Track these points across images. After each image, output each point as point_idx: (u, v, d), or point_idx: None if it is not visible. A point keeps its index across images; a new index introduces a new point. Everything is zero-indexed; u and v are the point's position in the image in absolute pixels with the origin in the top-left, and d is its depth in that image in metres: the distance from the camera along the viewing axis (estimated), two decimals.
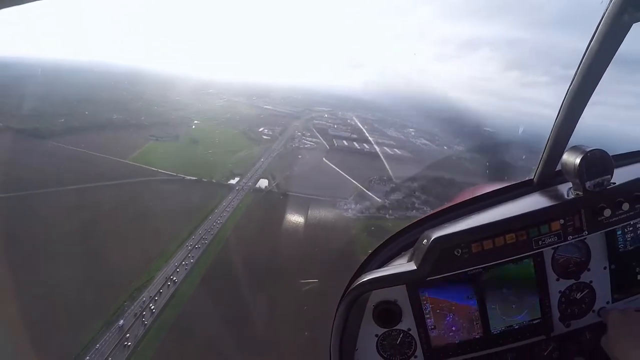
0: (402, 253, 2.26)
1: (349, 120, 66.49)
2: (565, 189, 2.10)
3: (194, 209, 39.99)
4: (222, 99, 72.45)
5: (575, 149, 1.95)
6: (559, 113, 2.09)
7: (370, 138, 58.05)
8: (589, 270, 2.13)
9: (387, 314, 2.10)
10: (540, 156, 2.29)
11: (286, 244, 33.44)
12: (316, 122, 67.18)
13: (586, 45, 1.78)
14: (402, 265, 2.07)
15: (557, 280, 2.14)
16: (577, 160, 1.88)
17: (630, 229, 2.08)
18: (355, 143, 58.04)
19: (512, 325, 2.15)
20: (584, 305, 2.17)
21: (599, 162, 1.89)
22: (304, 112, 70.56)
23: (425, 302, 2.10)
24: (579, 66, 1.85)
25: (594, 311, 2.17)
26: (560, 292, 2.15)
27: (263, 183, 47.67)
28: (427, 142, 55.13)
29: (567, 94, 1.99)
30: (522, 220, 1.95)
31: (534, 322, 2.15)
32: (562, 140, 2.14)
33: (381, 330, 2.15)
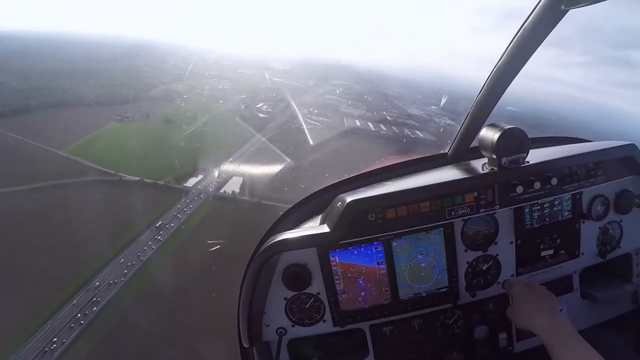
0: (315, 216, 2.19)
1: (365, 96, 59.40)
2: (480, 164, 2.10)
3: (106, 240, 26.33)
4: (225, 71, 64.44)
5: (494, 125, 1.94)
6: (481, 90, 2.10)
7: (388, 117, 50.24)
8: (496, 243, 2.12)
9: (297, 277, 1.98)
10: (457, 131, 2.34)
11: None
12: (328, 97, 58.38)
13: (520, 25, 1.72)
14: (315, 227, 1.99)
15: (465, 251, 2.10)
16: (495, 136, 1.88)
17: (538, 207, 2.11)
18: (369, 123, 49.02)
19: (420, 293, 2.09)
20: (489, 277, 2.16)
21: (516, 140, 1.90)
22: (316, 85, 62.57)
23: (335, 266, 1.99)
24: (508, 46, 1.82)
25: (498, 283, 2.17)
26: (467, 263, 2.12)
27: (234, 184, 33.40)
28: (451, 122, 46.79)
29: (492, 72, 1.98)
30: (437, 190, 1.94)
31: (441, 290, 2.11)
32: (481, 118, 2.18)
33: (290, 294, 2.03)
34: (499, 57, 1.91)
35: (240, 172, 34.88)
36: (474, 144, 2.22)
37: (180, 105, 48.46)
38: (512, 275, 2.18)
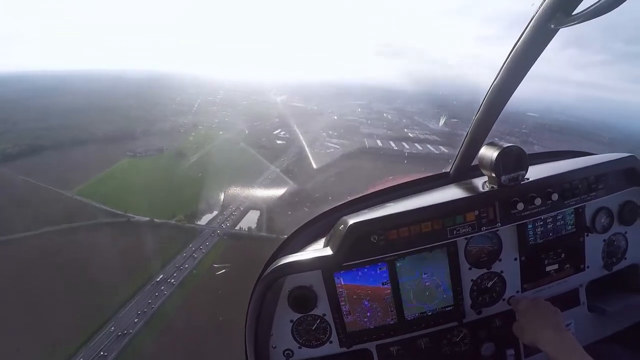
0: (319, 238, 2.20)
1: (385, 114, 57.22)
2: (481, 182, 2.11)
3: (107, 291, 23.25)
4: (236, 99, 62.02)
5: (493, 144, 1.95)
6: (479, 109, 2.12)
7: (410, 134, 47.61)
8: (500, 260, 2.13)
9: (302, 299, 2.01)
10: (458, 150, 2.38)
11: None
12: (346, 118, 56.69)
13: (512, 45, 1.75)
14: (318, 250, 2.02)
15: (470, 269, 2.11)
16: (494, 155, 1.89)
17: (541, 223, 2.11)
18: (391, 142, 45.83)
19: (425, 312, 2.11)
20: (494, 294, 2.16)
21: (514, 157, 1.91)
22: (333, 107, 60.76)
23: (340, 288, 2.01)
24: (503, 64, 1.83)
25: (504, 299, 2.17)
26: (472, 280, 2.13)
27: (251, 219, 29.95)
28: None
29: (488, 91, 2.00)
30: (438, 210, 1.95)
31: (446, 309, 2.12)
32: (480, 136, 2.21)
33: (296, 316, 2.06)
34: (494, 77, 1.91)
35: (257, 205, 31.70)
36: (475, 162, 2.15)
37: (193, 137, 46.45)
38: (517, 292, 2.17)
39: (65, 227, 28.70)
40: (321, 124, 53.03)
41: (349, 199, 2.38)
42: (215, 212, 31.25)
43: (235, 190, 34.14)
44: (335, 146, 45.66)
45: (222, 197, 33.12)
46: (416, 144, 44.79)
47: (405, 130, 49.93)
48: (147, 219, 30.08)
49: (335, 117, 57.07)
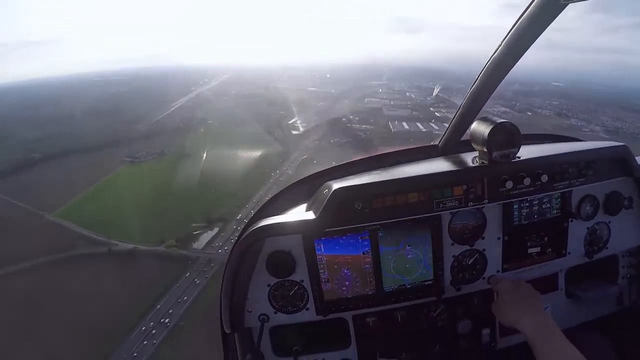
0: (302, 202, 2.05)
1: (407, 93, 55.02)
2: (471, 157, 2.01)
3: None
4: (252, 87, 60.45)
5: (486, 119, 1.85)
6: (474, 82, 2.00)
7: (437, 114, 43.85)
8: (483, 238, 2.05)
9: (281, 264, 1.89)
10: (449, 123, 2.23)
11: None
12: (368, 99, 53.69)
13: (517, 18, 1.61)
14: (300, 213, 1.89)
15: (452, 244, 2.02)
16: (487, 130, 1.78)
17: (527, 204, 2.05)
18: (419, 124, 42.15)
19: (404, 284, 2.02)
20: (475, 272, 2.09)
21: (508, 134, 1.81)
22: (354, 89, 57.84)
23: (320, 255, 1.89)
24: (504, 38, 1.68)
25: (484, 278, 2.10)
26: (453, 256, 2.04)
27: None
28: (506, 109, 41.97)
29: (486, 64, 1.86)
30: (426, 181, 1.86)
31: (426, 283, 2.04)
32: (473, 110, 2.09)
33: (274, 280, 1.94)
34: (494, 50, 1.78)
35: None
36: (466, 136, 2.07)
37: (200, 134, 41.60)
38: (498, 271, 2.11)
39: (35, 263, 23.62)
40: (341, 108, 49.54)
41: (336, 164, 2.18)
42: (215, 230, 25.29)
43: (245, 196, 28.07)
44: (358, 132, 41.99)
45: (226, 207, 27.28)
46: (445, 124, 38.64)
47: (431, 109, 46.40)
48: (131, 246, 24.61)
49: (355, 99, 53.80)
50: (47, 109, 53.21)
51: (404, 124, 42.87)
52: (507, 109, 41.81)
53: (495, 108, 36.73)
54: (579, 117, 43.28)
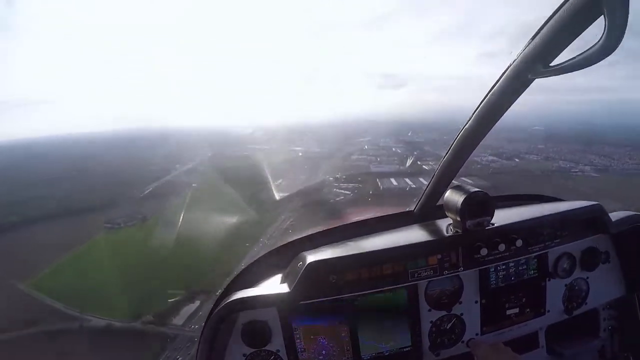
0: (276, 273, 2.09)
1: (393, 149, 54.50)
2: (445, 224, 2.05)
3: None
4: (235, 149, 59.57)
5: (459, 187, 1.90)
6: (448, 151, 2.04)
7: (425, 167, 42.75)
8: (460, 303, 2.06)
9: (256, 334, 1.91)
10: (424, 189, 2.31)
11: None
12: (354, 157, 53.22)
13: (486, 93, 1.69)
14: (275, 286, 1.91)
15: (429, 310, 2.04)
16: (460, 199, 1.83)
17: (503, 267, 2.05)
18: (407, 179, 41.05)
19: (382, 352, 2.04)
20: (453, 336, 2.09)
21: (480, 203, 1.85)
22: (340, 147, 57.28)
23: (295, 325, 1.93)
24: (475, 110, 1.77)
25: (463, 342, 2.10)
26: (431, 322, 2.06)
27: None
28: (494, 158, 43.92)
29: (459, 134, 1.92)
30: (401, 252, 1.88)
31: (404, 349, 2.05)
32: (447, 178, 2.13)
33: (249, 350, 1.96)
34: (466, 121, 1.84)
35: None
36: (441, 201, 2.08)
37: (180, 200, 39.25)
38: (477, 334, 2.10)
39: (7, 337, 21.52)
40: (327, 168, 48.09)
41: (309, 232, 2.21)
42: (197, 302, 23.26)
43: (228, 264, 26.31)
44: (345, 192, 40.13)
45: (210, 278, 25.33)
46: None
47: (419, 162, 45.67)
48: (105, 323, 22.45)
49: (341, 157, 53.26)
50: (31, 170, 52.49)
51: (392, 180, 42.11)
52: (495, 157, 43.62)
53: (483, 157, 40.59)
54: (566, 158, 43.32)
